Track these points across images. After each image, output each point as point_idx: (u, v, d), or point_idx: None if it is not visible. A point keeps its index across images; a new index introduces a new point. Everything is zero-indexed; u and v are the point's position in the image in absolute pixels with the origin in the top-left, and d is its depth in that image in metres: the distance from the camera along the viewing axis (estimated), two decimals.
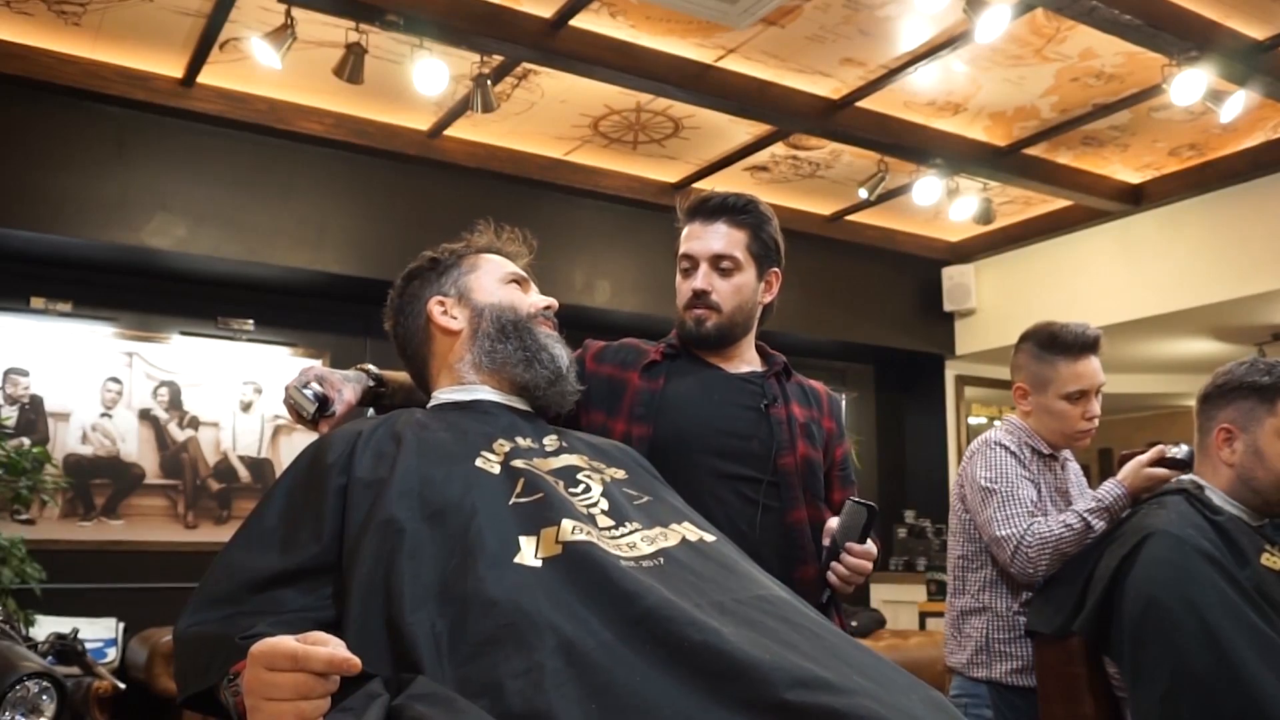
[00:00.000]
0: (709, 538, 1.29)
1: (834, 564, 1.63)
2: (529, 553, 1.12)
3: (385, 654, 1.07)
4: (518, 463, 1.27)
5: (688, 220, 1.86)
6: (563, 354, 1.47)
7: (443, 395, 1.44)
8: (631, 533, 1.22)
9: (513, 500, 1.20)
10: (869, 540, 1.65)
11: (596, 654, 1.00)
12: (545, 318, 1.49)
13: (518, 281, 1.51)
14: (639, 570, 1.12)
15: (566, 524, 1.16)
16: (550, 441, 1.38)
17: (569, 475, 1.30)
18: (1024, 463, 2.25)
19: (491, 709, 0.96)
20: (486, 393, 1.42)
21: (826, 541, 1.65)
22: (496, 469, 1.25)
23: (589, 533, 1.16)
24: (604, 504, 1.26)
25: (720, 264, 1.80)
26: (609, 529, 1.22)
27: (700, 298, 1.80)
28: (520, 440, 1.34)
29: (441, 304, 1.47)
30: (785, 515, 1.73)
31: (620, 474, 1.38)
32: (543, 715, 0.95)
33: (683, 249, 1.84)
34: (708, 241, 1.81)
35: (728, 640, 0.99)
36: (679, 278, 1.86)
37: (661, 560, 1.17)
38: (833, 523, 1.68)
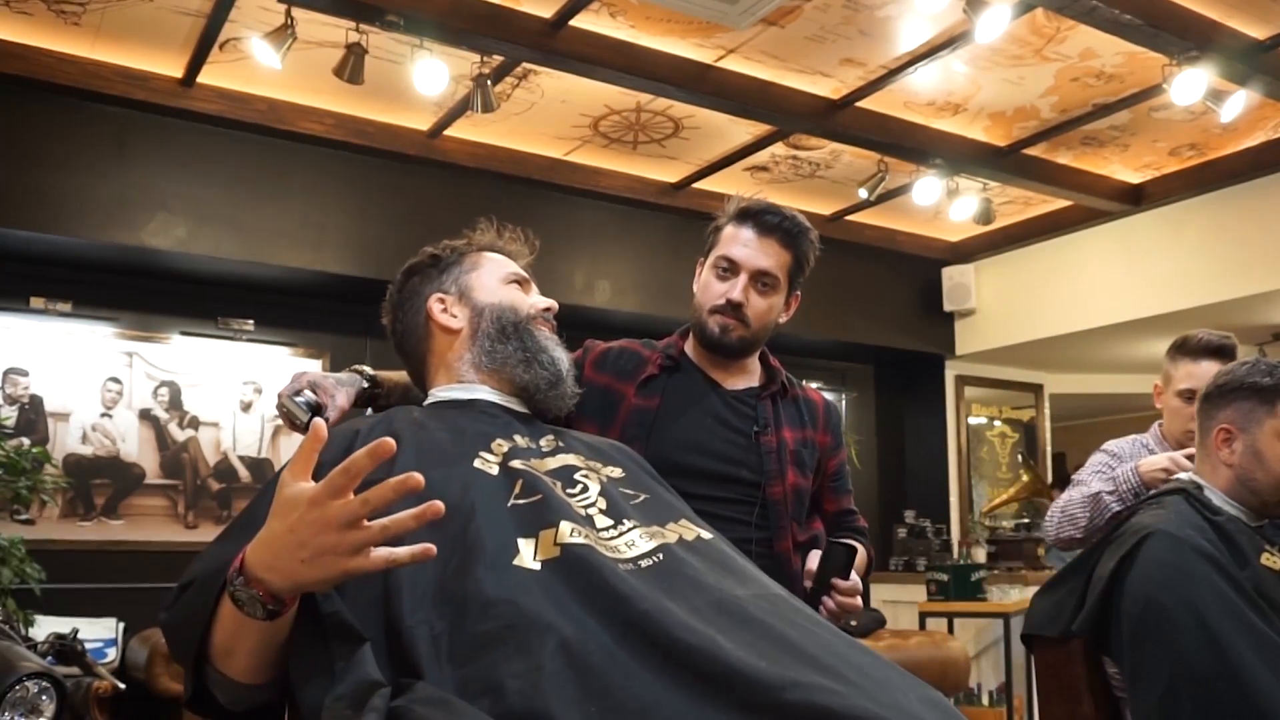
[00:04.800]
0: (706, 535, 1.30)
1: (824, 598, 1.66)
2: (527, 555, 1.12)
3: (384, 657, 1.06)
4: (516, 463, 1.27)
5: (740, 223, 1.81)
6: (562, 357, 1.46)
7: (440, 393, 1.44)
8: (630, 530, 1.22)
9: (511, 502, 1.20)
10: (853, 575, 1.68)
11: (596, 656, 1.00)
12: (545, 319, 1.48)
13: (519, 282, 1.51)
14: (637, 573, 1.13)
15: (565, 526, 1.16)
16: (547, 442, 1.38)
17: (566, 475, 1.30)
18: (1121, 459, 2.47)
19: (492, 709, 0.96)
20: (485, 392, 1.42)
21: (808, 583, 1.68)
22: (495, 470, 1.25)
23: (586, 535, 1.16)
24: (601, 503, 1.26)
25: (762, 280, 1.79)
26: (607, 529, 1.22)
27: (734, 309, 1.78)
28: (518, 439, 1.33)
29: (441, 301, 1.46)
30: (773, 544, 1.75)
31: (617, 473, 1.38)
32: (543, 715, 0.95)
33: (726, 251, 1.80)
34: (757, 255, 1.78)
35: (722, 645, 1.00)
36: (709, 274, 1.82)
37: (661, 556, 1.17)
38: (812, 562, 1.70)
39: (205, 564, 1.14)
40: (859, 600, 1.67)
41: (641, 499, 1.33)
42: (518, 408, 1.43)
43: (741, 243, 1.79)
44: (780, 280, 1.80)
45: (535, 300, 1.50)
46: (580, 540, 1.14)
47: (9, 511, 4.08)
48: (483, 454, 1.27)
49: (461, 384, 1.43)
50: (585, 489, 1.28)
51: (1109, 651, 1.88)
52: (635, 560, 1.16)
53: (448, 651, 1.03)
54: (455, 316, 1.45)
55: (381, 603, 1.09)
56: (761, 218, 1.80)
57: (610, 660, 1.00)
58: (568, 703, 0.96)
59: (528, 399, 1.43)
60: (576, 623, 1.03)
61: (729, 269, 1.79)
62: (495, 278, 1.49)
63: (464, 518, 1.15)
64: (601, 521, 1.23)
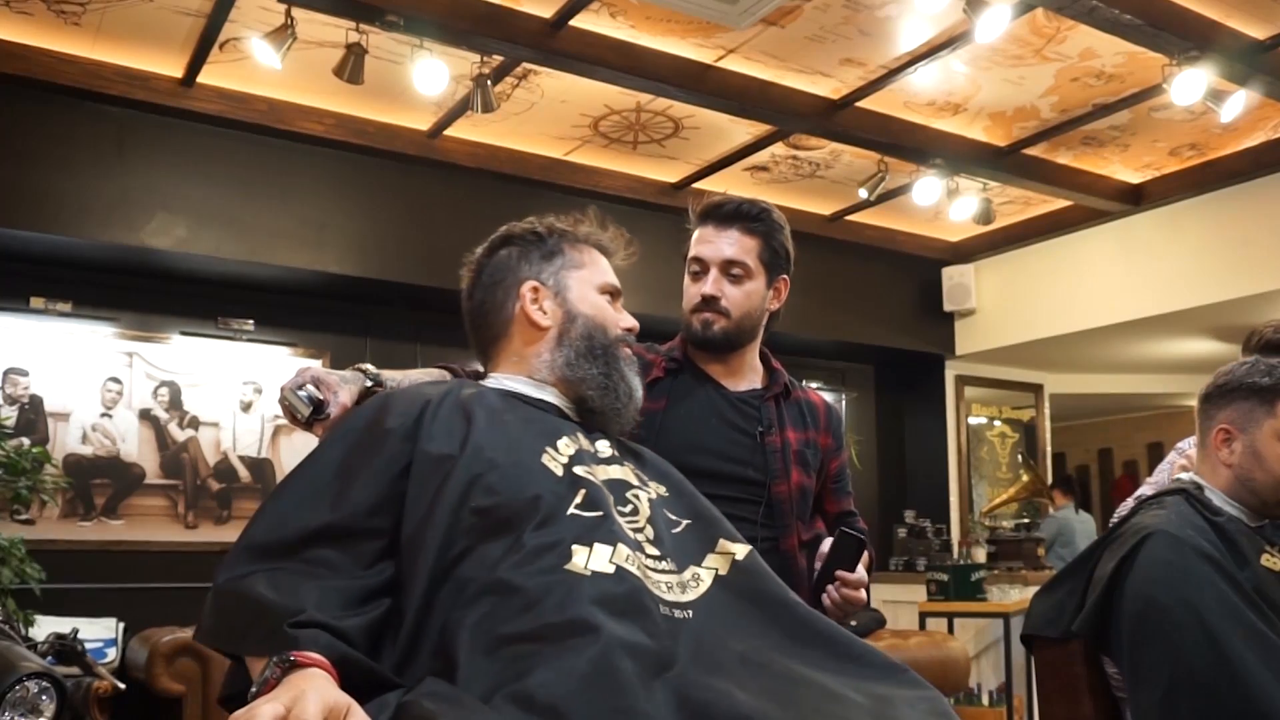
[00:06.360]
0: (740, 555, 1.30)
1: (829, 589, 1.68)
2: (580, 561, 1.13)
3: (434, 645, 1.09)
4: (579, 470, 1.26)
5: (700, 223, 1.85)
6: (638, 385, 1.45)
7: (507, 382, 1.41)
8: (668, 573, 1.23)
9: (571, 510, 1.20)
10: (859, 568, 1.70)
11: (624, 676, 1.02)
12: (628, 341, 1.47)
13: (612, 294, 1.48)
14: (670, 621, 1.14)
15: (621, 549, 1.17)
16: (603, 446, 1.37)
17: (619, 490, 1.29)
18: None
19: (517, 701, 0.98)
20: (552, 396, 1.40)
21: (818, 564, 1.71)
22: (560, 471, 1.25)
23: (638, 565, 1.17)
24: (649, 531, 1.26)
25: (731, 270, 1.81)
26: (654, 559, 1.22)
27: (710, 303, 1.80)
28: (582, 440, 1.33)
29: (536, 291, 1.42)
30: (779, 543, 1.78)
31: (663, 490, 1.37)
32: (561, 714, 0.97)
33: (694, 252, 1.84)
34: (720, 247, 1.81)
35: (737, 697, 1.03)
36: (687, 280, 1.86)
37: (690, 614, 1.18)
38: (825, 548, 1.73)
39: (266, 532, 1.16)
40: (862, 594, 1.70)
41: (683, 526, 1.32)
42: (575, 417, 1.41)
43: (704, 240, 1.84)
44: (751, 266, 1.82)
45: (622, 319, 1.47)
46: (633, 569, 1.16)
47: (9, 511, 4.08)
48: (549, 450, 1.27)
49: (532, 381, 1.41)
50: (635, 510, 1.28)
51: (1109, 652, 1.87)
52: (670, 606, 1.17)
53: (485, 643, 1.05)
54: (545, 313, 1.41)
55: (440, 596, 1.11)
56: (717, 211, 1.84)
57: (636, 684, 1.02)
58: (592, 709, 0.98)
59: (588, 415, 1.42)
60: (616, 637, 1.05)
61: (700, 269, 1.83)
62: (593, 284, 1.46)
63: (525, 512, 1.16)
64: (650, 550, 1.23)
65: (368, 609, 1.12)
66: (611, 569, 1.13)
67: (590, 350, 1.41)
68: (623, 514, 1.25)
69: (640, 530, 1.25)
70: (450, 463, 1.19)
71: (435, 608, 1.11)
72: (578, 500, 1.21)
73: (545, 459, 1.25)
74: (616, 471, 1.33)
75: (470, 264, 1.49)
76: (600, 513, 1.21)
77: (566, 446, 1.29)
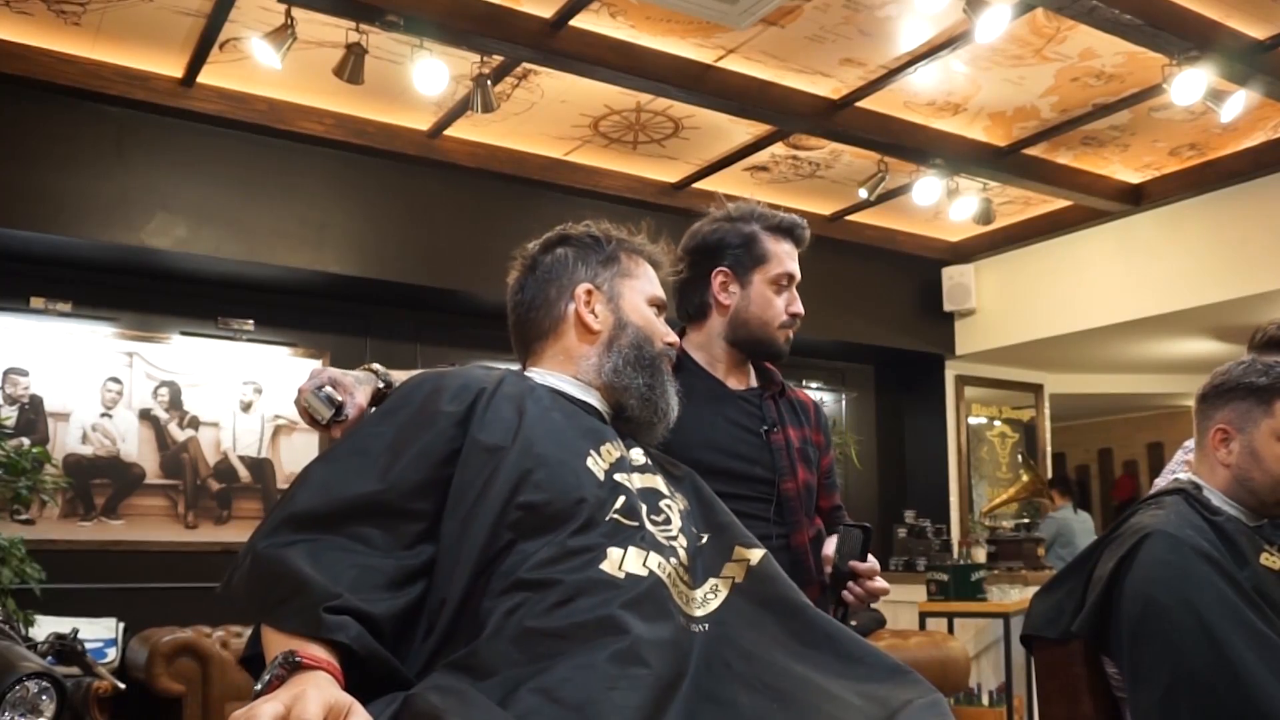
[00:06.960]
0: (755, 560, 1.32)
1: (850, 584, 1.73)
2: (614, 562, 1.16)
3: (469, 634, 1.11)
4: (619, 476, 1.28)
5: (783, 237, 1.89)
6: (675, 404, 1.48)
7: (553, 379, 1.41)
8: (691, 586, 1.25)
9: (611, 514, 1.22)
10: (869, 557, 1.75)
11: (648, 679, 1.04)
12: (668, 355, 1.49)
13: (658, 306, 1.50)
14: (689, 634, 1.17)
15: (654, 555, 1.19)
16: (637, 455, 1.39)
17: (653, 499, 1.31)
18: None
19: (540, 690, 1.01)
20: (595, 400, 1.41)
21: (828, 568, 1.75)
22: (601, 475, 1.27)
23: (670, 574, 1.20)
24: (682, 540, 1.28)
25: (796, 287, 1.92)
26: (683, 568, 1.24)
27: (796, 320, 1.91)
28: (621, 446, 1.35)
29: (590, 295, 1.44)
30: (790, 540, 1.80)
31: (687, 503, 1.39)
32: (582, 711, 0.99)
33: (786, 268, 1.89)
34: (796, 266, 1.91)
35: (743, 705, 1.09)
36: (769, 291, 1.89)
37: (707, 627, 1.20)
38: (829, 548, 1.77)
39: (308, 499, 1.16)
40: (880, 581, 1.74)
41: (703, 541, 1.34)
42: (610, 423, 1.43)
43: (790, 257, 1.90)
44: None
45: (666, 333, 1.50)
46: (663, 575, 1.18)
47: (9, 511, 4.09)
48: (594, 453, 1.29)
49: (578, 382, 1.42)
50: (668, 520, 1.30)
51: (1109, 652, 1.88)
52: (689, 620, 1.19)
53: (513, 634, 1.07)
54: (597, 317, 1.43)
55: (466, 579, 1.13)
56: (796, 232, 1.91)
57: (656, 689, 1.04)
58: (611, 707, 1.00)
59: (624, 423, 1.43)
60: (643, 640, 1.07)
61: (787, 283, 1.89)
62: (643, 295, 1.48)
63: (567, 512, 1.18)
64: (681, 557, 1.26)
65: (404, 592, 1.14)
66: (645, 572, 1.16)
67: (638, 360, 1.43)
68: (656, 522, 1.27)
69: (674, 539, 1.27)
70: (501, 454, 1.21)
71: (475, 598, 1.13)
72: (617, 505, 1.23)
73: (590, 461, 1.27)
74: (650, 480, 1.35)
75: (523, 258, 1.50)
76: (637, 521, 1.23)
77: (609, 452, 1.31)
